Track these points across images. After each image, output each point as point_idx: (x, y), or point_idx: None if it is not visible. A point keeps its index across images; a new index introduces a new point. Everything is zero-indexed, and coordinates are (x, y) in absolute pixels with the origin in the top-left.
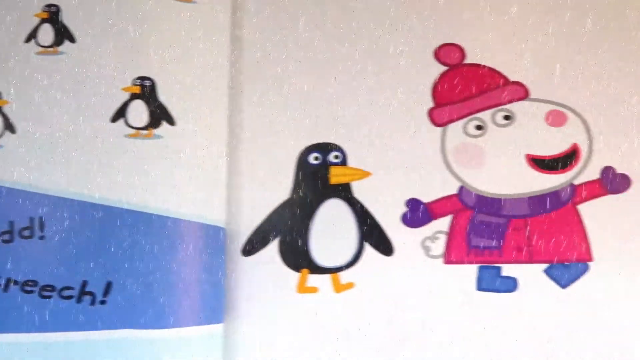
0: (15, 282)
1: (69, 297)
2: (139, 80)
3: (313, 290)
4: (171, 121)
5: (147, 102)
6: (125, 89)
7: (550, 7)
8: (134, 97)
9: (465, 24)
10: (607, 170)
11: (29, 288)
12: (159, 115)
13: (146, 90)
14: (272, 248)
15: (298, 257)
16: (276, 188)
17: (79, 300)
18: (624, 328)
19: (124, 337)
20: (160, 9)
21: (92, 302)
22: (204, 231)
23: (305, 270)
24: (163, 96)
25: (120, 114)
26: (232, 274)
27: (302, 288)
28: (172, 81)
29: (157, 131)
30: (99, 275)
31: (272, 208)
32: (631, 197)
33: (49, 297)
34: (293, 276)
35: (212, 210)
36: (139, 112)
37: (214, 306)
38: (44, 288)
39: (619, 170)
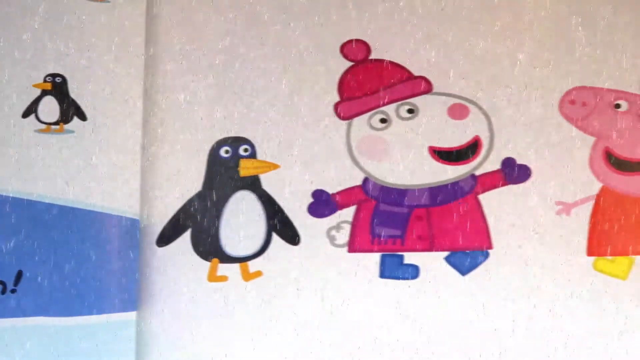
0: None
1: None
2: (50, 77)
3: (223, 279)
4: (82, 116)
5: (58, 98)
6: (36, 86)
7: (453, 3)
8: (45, 93)
9: (370, 20)
10: (507, 161)
11: None
12: (70, 110)
13: (57, 87)
14: (185, 239)
15: (209, 247)
16: (189, 181)
17: None
18: (521, 313)
19: (37, 324)
20: (73, 7)
21: (3, 291)
22: (118, 222)
23: (215, 260)
24: (74, 92)
25: (32, 110)
26: (146, 264)
27: (213, 277)
28: (85, 77)
29: (68, 126)
30: (10, 265)
31: (184, 200)
32: (531, 187)
33: None
34: (204, 265)
35: (127, 203)
36: (50, 108)
37: (128, 294)
38: None
39: (519, 161)
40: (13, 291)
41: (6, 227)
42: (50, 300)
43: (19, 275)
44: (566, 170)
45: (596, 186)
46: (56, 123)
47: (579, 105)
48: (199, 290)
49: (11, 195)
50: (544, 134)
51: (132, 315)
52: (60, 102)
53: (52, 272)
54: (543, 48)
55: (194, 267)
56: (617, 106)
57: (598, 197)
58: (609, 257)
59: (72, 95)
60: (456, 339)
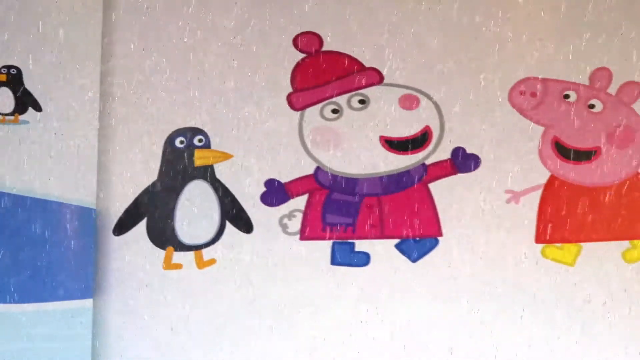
0: None
1: None
2: (5, 69)
3: (178, 266)
4: (37, 107)
5: (13, 89)
6: None
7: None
8: (0, 84)
9: (323, 13)
10: (457, 151)
11: None
12: (25, 101)
13: (12, 78)
14: (141, 227)
15: (164, 236)
16: (145, 170)
17: None
18: (470, 299)
19: None
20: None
21: None
22: (74, 212)
23: (170, 248)
24: (29, 83)
25: None
26: (102, 252)
27: (168, 265)
28: (39, 69)
29: (23, 117)
30: None
31: (140, 189)
32: (480, 175)
33: None
34: (159, 254)
35: (83, 192)
36: (5, 99)
37: (84, 282)
38: None
39: (469, 150)
40: None
41: None
42: (7, 287)
43: None
44: (515, 160)
45: (545, 175)
46: (11, 114)
47: (528, 96)
48: (155, 278)
49: None
50: (494, 124)
51: (88, 302)
52: (15, 93)
53: (9, 260)
54: (493, 40)
55: (150, 255)
56: (566, 96)
57: (547, 185)
58: (558, 245)
59: (27, 86)
60: (407, 325)
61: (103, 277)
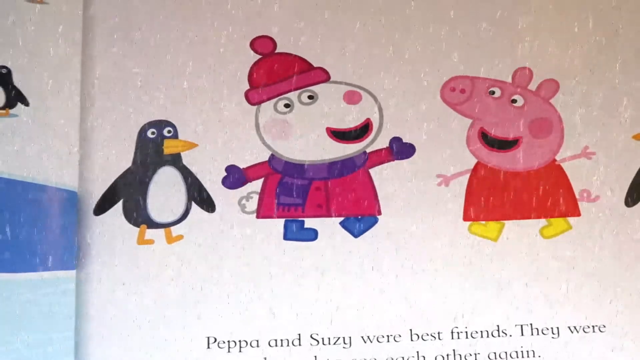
0: None
1: None
2: None
3: (150, 242)
4: (25, 102)
5: (4, 86)
6: None
7: (344, 2)
8: None
9: (276, 17)
10: (394, 140)
11: None
12: (15, 97)
13: (3, 77)
14: (118, 208)
15: (138, 215)
16: (121, 158)
17: None
18: (404, 270)
19: None
20: (16, 8)
21: None
22: (59, 194)
23: (143, 226)
24: (18, 81)
25: None
26: (84, 230)
27: (141, 240)
28: (27, 68)
29: (13, 111)
30: None
31: (117, 174)
32: (415, 162)
33: None
34: (134, 230)
35: (67, 177)
36: None
37: (68, 255)
38: None
39: (405, 140)
40: None
41: None
42: (2, 260)
43: None
44: (446, 148)
45: (472, 161)
46: (2, 108)
47: (458, 92)
48: (130, 252)
49: None
50: (428, 116)
51: (72, 273)
52: (6, 90)
53: (3, 237)
54: (427, 41)
55: (126, 232)
56: (492, 92)
57: (473, 170)
58: (482, 222)
59: (16, 83)
60: (350, 292)
61: (85, 251)
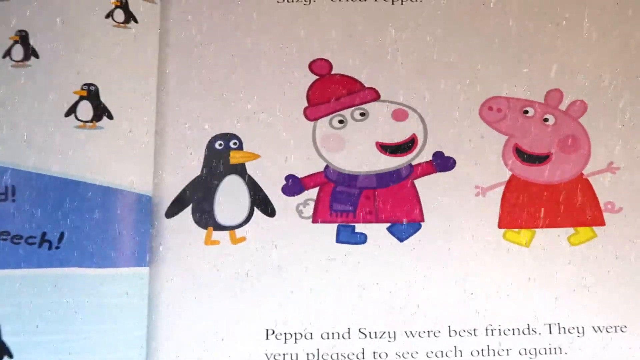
0: None
1: (33, 244)
2: (86, 86)
3: (216, 242)
4: (110, 116)
5: (92, 102)
6: (76, 92)
7: (392, 31)
8: (82, 98)
9: (332, 42)
10: (437, 154)
11: (4, 237)
12: (101, 111)
13: (91, 93)
14: (187, 212)
15: (205, 218)
16: (191, 166)
17: (40, 246)
18: (446, 272)
19: (72, 273)
20: (104, 32)
21: (49, 247)
22: (135, 198)
23: (210, 228)
24: (104, 97)
25: (72, 111)
26: (156, 231)
27: (208, 241)
28: (112, 86)
29: (99, 124)
30: (55, 228)
31: (187, 181)
32: (455, 174)
33: (18, 243)
34: (201, 232)
35: (142, 183)
36: (85, 109)
37: (142, 253)
38: (14, 237)
39: (447, 154)
40: (57, 248)
41: (52, 200)
42: (84, 256)
43: (61, 237)
44: (483, 162)
45: (507, 174)
46: (90, 121)
47: (495, 111)
48: (197, 251)
49: (57, 176)
50: (467, 133)
51: (145, 270)
52: (94, 105)
53: (87, 235)
54: (468, 65)
55: (194, 233)
56: (526, 112)
57: (508, 182)
58: (516, 230)
59: (103, 100)
60: (395, 291)
61: (157, 250)
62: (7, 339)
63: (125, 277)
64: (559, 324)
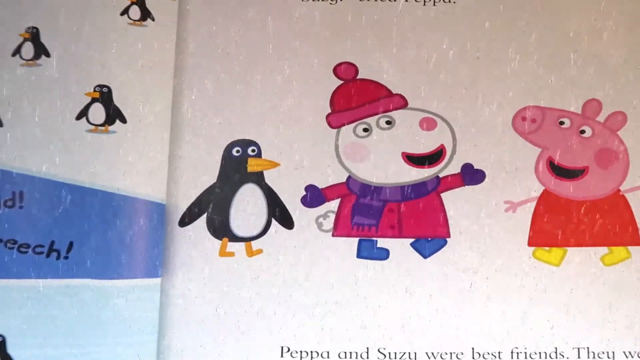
0: (0, 241)
1: (40, 253)
2: (98, 87)
3: (231, 254)
4: (123, 120)
5: (105, 105)
6: (88, 94)
7: (422, 34)
8: (94, 100)
9: (357, 45)
10: (466, 166)
11: (10, 245)
12: (114, 115)
13: (104, 95)
14: (202, 221)
15: (220, 228)
16: (206, 173)
17: (47, 255)
18: (471, 292)
19: (81, 284)
20: (118, 30)
21: (58, 257)
22: (148, 206)
23: (225, 239)
24: (118, 100)
25: (84, 113)
26: (170, 240)
27: (223, 252)
28: (126, 88)
29: (112, 127)
30: (64, 237)
31: (202, 189)
32: (485, 188)
33: (25, 252)
34: (216, 243)
35: (156, 190)
36: (98, 112)
37: (154, 264)
38: (21, 245)
39: (477, 166)
40: (66, 257)
41: (61, 207)
42: (94, 266)
43: (70, 246)
44: (515, 175)
45: (539, 189)
46: (102, 125)
47: (529, 122)
48: (212, 263)
49: (66, 182)
50: (499, 144)
51: (157, 280)
52: (106, 108)
53: (96, 245)
54: (501, 72)
55: (208, 244)
56: (561, 123)
57: (540, 198)
58: (546, 248)
59: (116, 102)
60: (417, 309)
61: (169, 261)
62: (12, 353)
63: (136, 289)
64: (588, 348)
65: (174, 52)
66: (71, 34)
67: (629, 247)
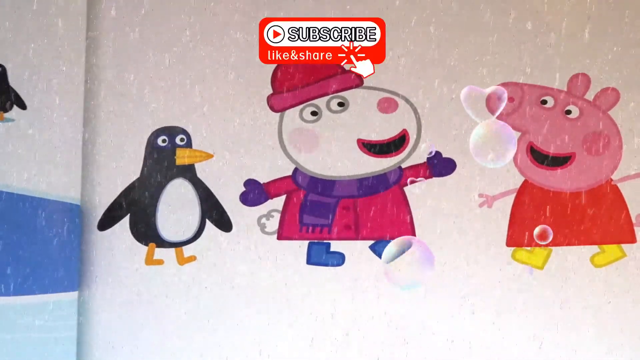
0: None
1: None
2: None
3: (159, 262)
4: (22, 105)
5: None
6: None
7: (380, 9)
8: None
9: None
10: (433, 155)
11: None
12: (10, 99)
13: None
14: (124, 223)
15: (146, 232)
16: (128, 168)
17: None
18: (441, 300)
19: None
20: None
21: None
22: (60, 208)
23: (152, 245)
24: (14, 82)
25: None
26: (87, 247)
27: (150, 260)
28: (24, 67)
29: (8, 115)
30: None
31: (123, 187)
32: (455, 180)
33: None
34: (142, 249)
35: (68, 189)
36: None
37: (70, 275)
38: None
39: (445, 154)
40: None
41: None
42: None
43: None
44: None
45: (519, 179)
46: None
47: (506, 101)
48: (137, 273)
49: None
50: (471, 128)
51: (73, 295)
52: (1, 90)
53: None
54: (473, 46)
55: (133, 250)
56: (544, 102)
57: (520, 190)
58: (528, 248)
59: (12, 84)
60: (380, 320)
61: (88, 271)
62: None
63: (49, 306)
64: None
65: (85, 26)
66: None
67: (623, 245)
